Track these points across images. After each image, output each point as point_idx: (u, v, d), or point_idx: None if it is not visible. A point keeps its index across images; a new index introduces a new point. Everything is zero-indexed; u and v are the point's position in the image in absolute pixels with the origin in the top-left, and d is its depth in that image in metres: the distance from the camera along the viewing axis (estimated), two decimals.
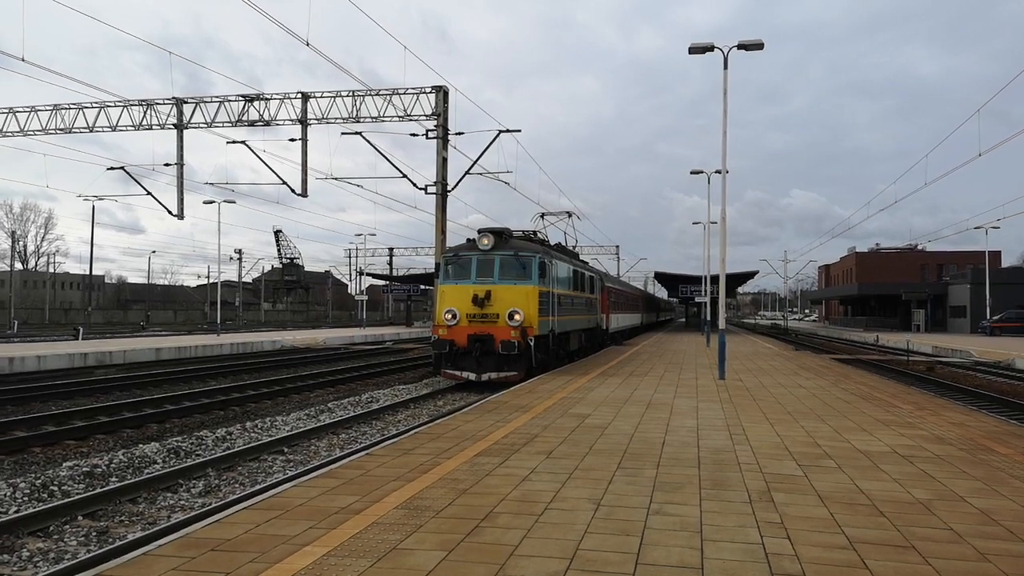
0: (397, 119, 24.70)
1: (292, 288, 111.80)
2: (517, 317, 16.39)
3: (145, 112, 26.57)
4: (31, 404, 14.72)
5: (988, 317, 49.20)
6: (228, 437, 11.21)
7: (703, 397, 12.45)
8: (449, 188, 24.55)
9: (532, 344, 16.51)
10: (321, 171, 27.71)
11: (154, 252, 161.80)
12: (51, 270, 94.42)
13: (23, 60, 20.53)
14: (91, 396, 16.15)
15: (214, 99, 26.15)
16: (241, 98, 25.81)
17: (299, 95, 25.29)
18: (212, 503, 7.49)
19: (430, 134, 24.37)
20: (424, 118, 24.41)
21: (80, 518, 6.91)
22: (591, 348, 25.45)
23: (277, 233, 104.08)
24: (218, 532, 4.88)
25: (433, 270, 18.76)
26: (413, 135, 24.94)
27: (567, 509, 5.42)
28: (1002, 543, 4.68)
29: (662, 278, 60.16)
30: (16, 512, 7.03)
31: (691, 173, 30.89)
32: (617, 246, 74.51)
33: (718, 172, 23.20)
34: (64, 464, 9.04)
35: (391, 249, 78.68)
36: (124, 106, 26.65)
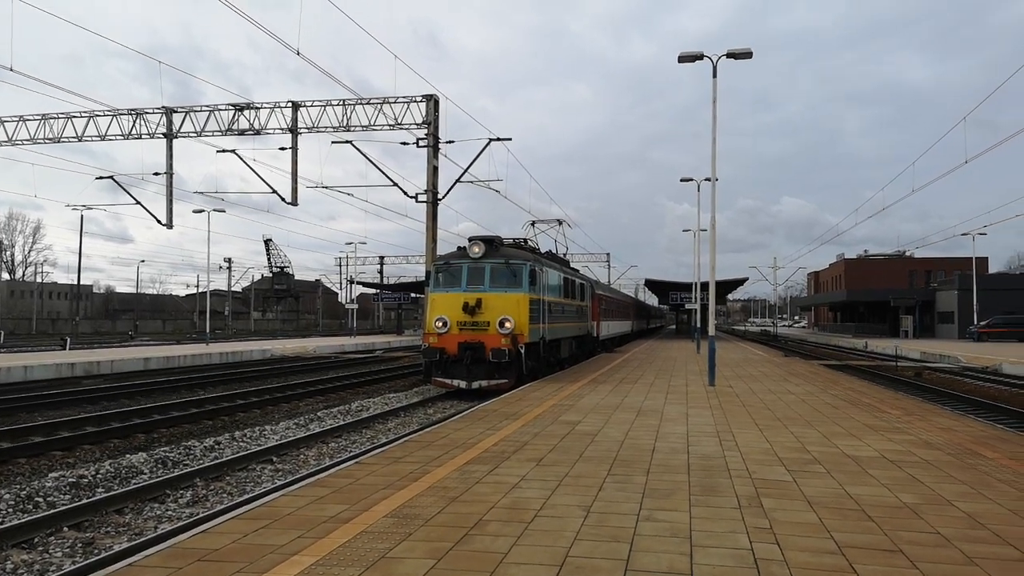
0: (388, 127, 24.73)
1: (282, 297, 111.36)
2: (508, 325, 16.39)
3: (134, 121, 26.48)
4: (17, 415, 14.58)
5: (975, 323, 49.56)
6: (217, 447, 11.13)
7: (693, 403, 12.48)
8: (440, 196, 24.57)
9: (523, 352, 16.51)
10: (311, 180, 27.77)
11: (143, 261, 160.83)
12: (39, 280, 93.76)
13: (11, 70, 20.43)
14: (78, 406, 16.01)
15: (204, 108, 26.10)
16: (231, 107, 25.76)
17: (289, 104, 25.28)
18: (200, 513, 7.43)
19: (420, 143, 24.41)
20: (415, 127, 24.45)
21: (66, 529, 6.84)
22: (582, 355, 25.47)
23: (267, 242, 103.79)
24: (205, 542, 4.84)
25: (424, 278, 18.72)
26: (404, 144, 24.99)
27: (557, 516, 5.41)
28: (989, 547, 4.71)
29: (653, 285, 60.33)
30: (0, 523, 6.95)
31: (681, 181, 31.09)
32: (608, 254, 74.91)
33: (708, 180, 23.33)
34: (50, 475, 8.96)
35: (382, 257, 78.58)
36: (113, 115, 26.56)
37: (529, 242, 21.68)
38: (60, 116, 26.69)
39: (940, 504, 5.77)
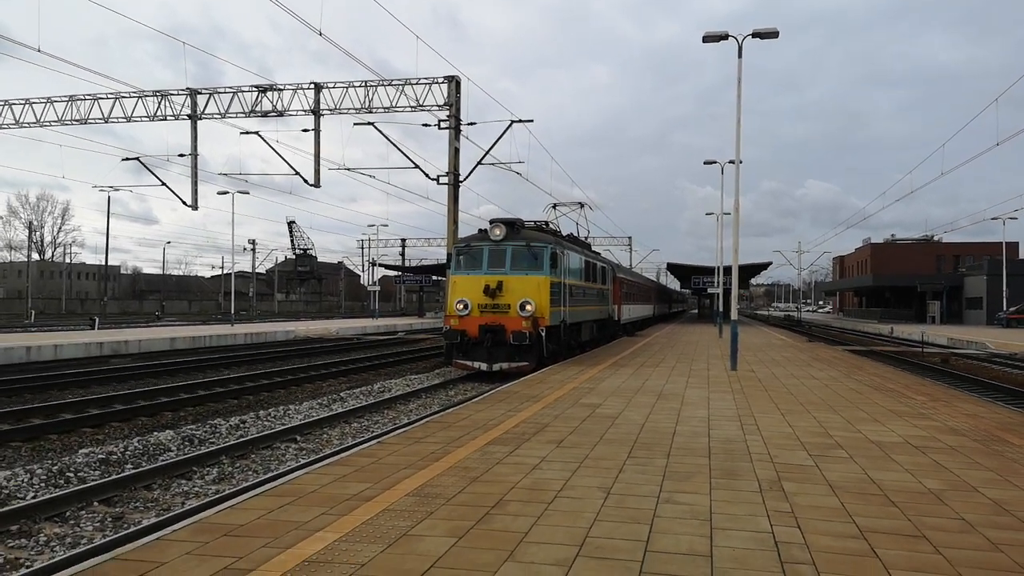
0: (409, 109, 24.71)
1: (305, 279, 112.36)
2: (528, 307, 16.39)
3: (159, 103, 26.71)
4: (48, 392, 14.91)
5: (1004, 309, 48.68)
6: (242, 425, 11.31)
7: (714, 388, 12.42)
8: (461, 179, 24.55)
9: (543, 334, 16.52)
10: (333, 161, 27.85)
11: (169, 243, 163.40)
12: (67, 261, 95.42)
13: (39, 51, 20.69)
14: (107, 384, 16.33)
15: (228, 90, 26.24)
16: (255, 88, 25.88)
17: (312, 86, 25.33)
18: (226, 490, 7.57)
19: (442, 124, 24.36)
20: (436, 108, 24.40)
21: (96, 504, 7.01)
22: (603, 339, 25.43)
23: (291, 224, 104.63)
24: (231, 518, 4.93)
25: (445, 261, 18.77)
26: (425, 125, 24.96)
27: (577, 497, 5.43)
28: (1015, 533, 4.65)
29: (675, 269, 59.93)
30: (33, 498, 7.13)
31: (704, 163, 30.76)
32: (630, 237, 74.36)
33: (732, 162, 23.04)
34: (80, 451, 9.16)
35: (403, 240, 78.84)
36: (139, 97, 26.80)
37: (550, 225, 21.60)
38: (87, 97, 26.99)
39: (965, 490, 5.71)
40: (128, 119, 26.90)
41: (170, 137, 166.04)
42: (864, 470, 6.36)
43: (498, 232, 17.20)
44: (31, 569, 5.16)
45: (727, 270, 24.72)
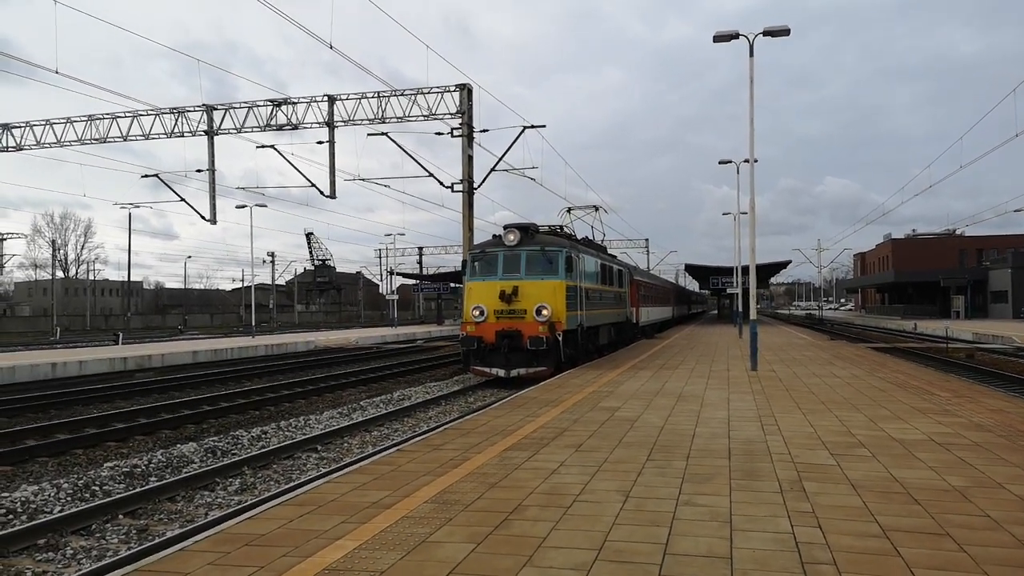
0: (422, 118, 24.85)
1: (324, 289, 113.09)
2: (545, 312, 16.37)
3: (176, 120, 27.08)
4: (73, 407, 15.12)
5: None
6: (263, 436, 11.40)
7: (734, 388, 12.34)
8: (475, 186, 24.63)
9: (560, 339, 16.48)
10: (348, 172, 28.07)
11: (189, 257, 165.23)
12: (91, 277, 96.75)
13: (57, 72, 21.07)
14: (131, 399, 16.53)
15: (243, 105, 26.55)
16: (269, 103, 26.16)
17: (325, 98, 25.56)
18: (247, 500, 7.63)
19: (455, 132, 24.47)
20: (449, 116, 24.52)
21: (121, 517, 7.10)
22: (621, 342, 25.34)
23: (308, 235, 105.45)
24: (253, 528, 4.98)
25: (461, 267, 18.82)
26: (438, 134, 25.11)
27: (596, 501, 5.42)
28: None
29: (693, 270, 59.55)
30: (60, 512, 7.24)
31: (719, 163, 30.59)
32: (646, 239, 74.10)
33: (747, 161, 22.91)
34: (105, 465, 9.28)
35: (420, 248, 79.13)
36: (156, 114, 27.20)
37: (565, 228, 21.60)
38: (105, 116, 27.43)
39: (990, 487, 5.62)
40: (146, 136, 27.30)
41: (187, 153, 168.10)
42: (887, 468, 6.28)
43: (512, 237, 17.21)
44: None
45: (745, 270, 24.56)
